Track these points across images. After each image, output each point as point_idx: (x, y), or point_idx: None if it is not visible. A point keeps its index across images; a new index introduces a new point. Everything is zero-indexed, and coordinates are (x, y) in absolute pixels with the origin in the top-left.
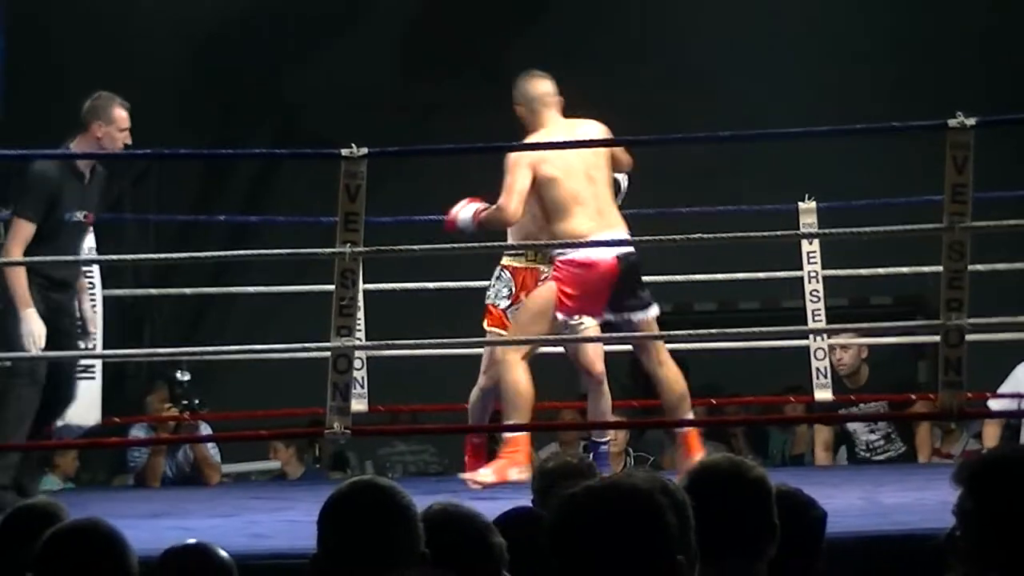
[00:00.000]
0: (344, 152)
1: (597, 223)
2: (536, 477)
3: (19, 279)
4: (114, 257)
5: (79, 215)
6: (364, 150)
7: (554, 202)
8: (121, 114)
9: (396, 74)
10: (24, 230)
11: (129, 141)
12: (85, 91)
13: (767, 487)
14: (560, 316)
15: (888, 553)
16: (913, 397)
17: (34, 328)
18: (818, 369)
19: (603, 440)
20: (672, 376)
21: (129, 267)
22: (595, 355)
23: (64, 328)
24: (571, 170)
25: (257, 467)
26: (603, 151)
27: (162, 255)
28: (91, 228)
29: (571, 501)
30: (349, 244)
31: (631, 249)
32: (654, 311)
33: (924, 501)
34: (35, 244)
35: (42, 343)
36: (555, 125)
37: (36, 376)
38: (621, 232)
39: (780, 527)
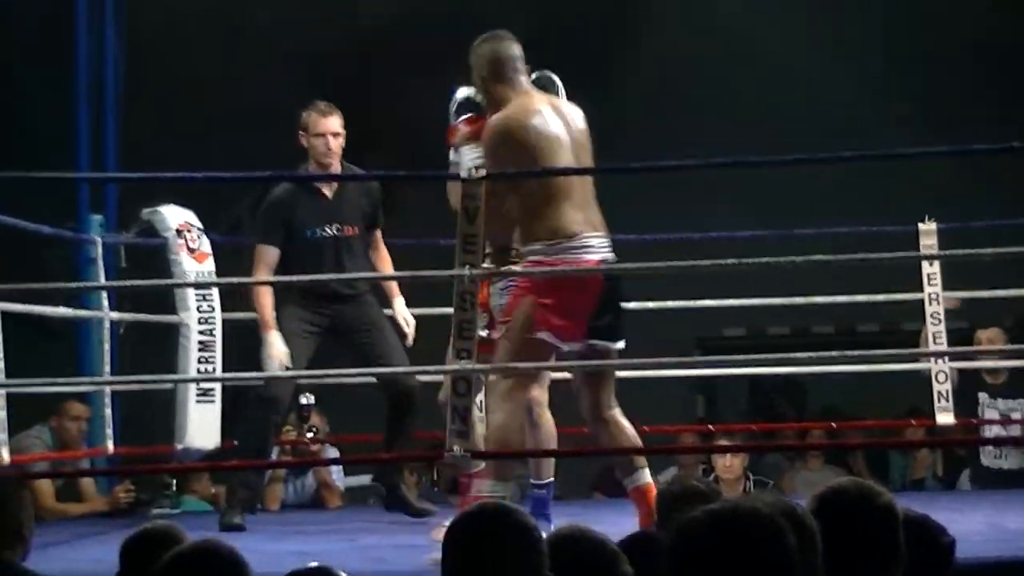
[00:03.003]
0: (463, 174)
1: (585, 220)
2: (661, 502)
3: (262, 303)
4: (234, 280)
5: (328, 229)
6: (482, 172)
7: (536, 188)
8: (315, 119)
9: None
10: (263, 255)
11: (334, 146)
12: (213, 113)
13: (895, 513)
14: (546, 337)
15: None
16: None
17: (273, 352)
18: (939, 392)
19: (542, 483)
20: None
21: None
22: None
23: (350, 338)
24: (559, 145)
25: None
26: (587, 134)
27: (278, 278)
28: (351, 239)
29: (691, 524)
30: (468, 266)
31: (612, 255)
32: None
33: None
34: (287, 266)
35: (285, 362)
36: (532, 95)
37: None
38: (605, 237)
39: (909, 553)
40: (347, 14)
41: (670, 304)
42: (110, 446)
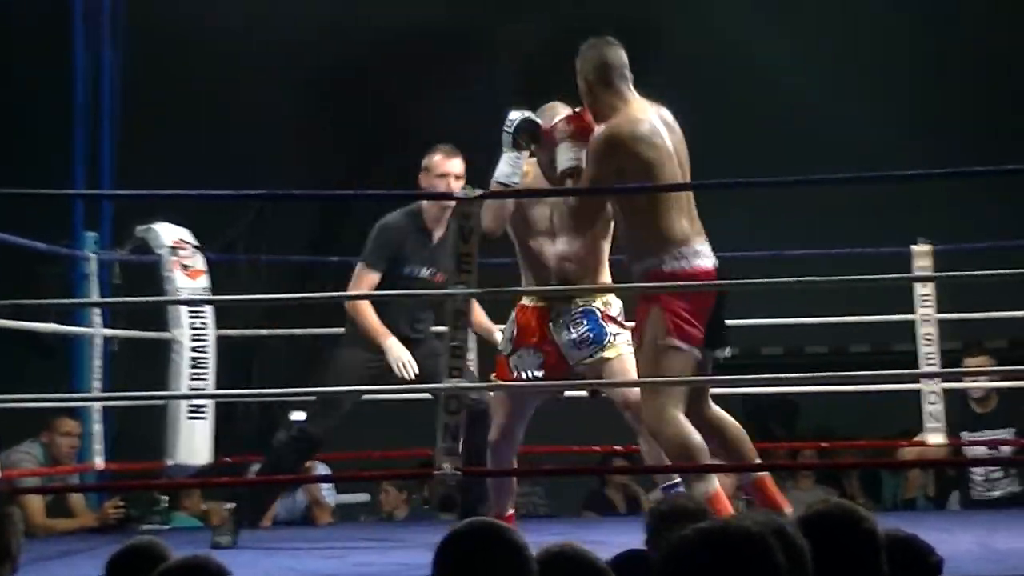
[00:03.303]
0: (458, 193)
1: (692, 228)
2: (648, 519)
3: (367, 315)
4: (228, 297)
5: (425, 272)
6: (478, 191)
7: (645, 201)
8: (436, 160)
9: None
10: (364, 276)
11: (455, 188)
12: (210, 130)
13: (877, 537)
14: (680, 344)
15: None
16: None
17: (399, 355)
18: (930, 413)
19: (672, 483)
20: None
21: (242, 307)
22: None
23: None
24: (667, 156)
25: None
26: (683, 140)
27: (274, 295)
28: (438, 285)
29: (681, 544)
30: (463, 285)
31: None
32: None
33: None
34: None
35: (411, 368)
36: (639, 103)
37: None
38: (707, 243)
39: (897, 573)
40: (349, 27)
41: None
42: (100, 462)
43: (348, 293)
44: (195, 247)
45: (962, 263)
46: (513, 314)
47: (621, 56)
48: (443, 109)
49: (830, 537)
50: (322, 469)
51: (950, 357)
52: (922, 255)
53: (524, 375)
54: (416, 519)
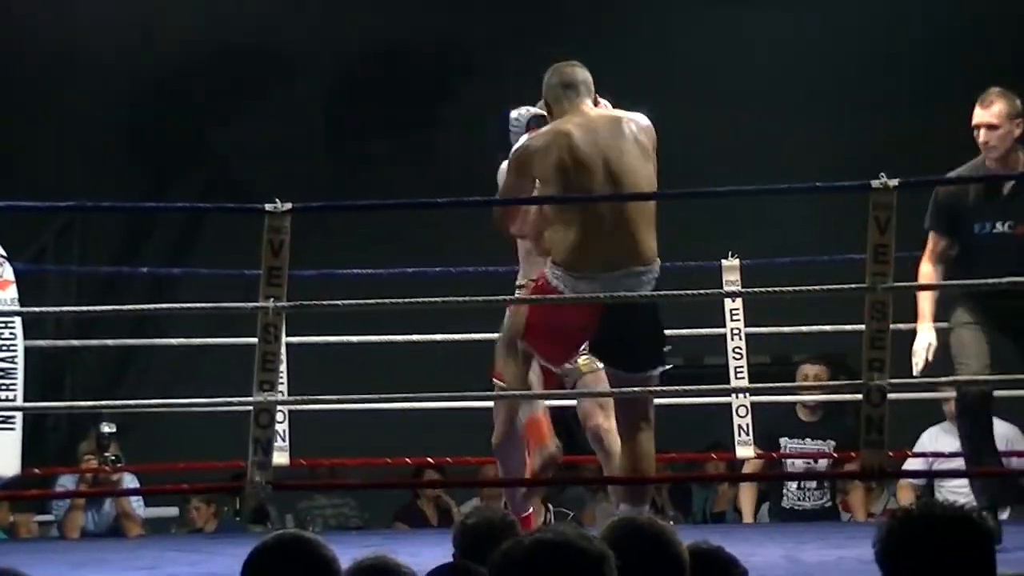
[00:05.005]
0: (268, 207)
1: (600, 254)
2: (458, 533)
3: (923, 294)
4: (36, 309)
5: (999, 226)
6: (288, 205)
7: (555, 214)
8: (976, 110)
9: (325, 129)
10: (930, 243)
11: (984, 138)
12: (17, 141)
13: (683, 553)
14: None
15: None
16: (852, 455)
17: (921, 342)
18: (740, 426)
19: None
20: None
21: (51, 318)
22: (592, 405)
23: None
24: (584, 170)
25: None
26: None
27: (84, 307)
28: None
29: (514, 550)
30: (272, 299)
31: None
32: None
33: (844, 559)
34: (954, 260)
35: (923, 355)
36: (577, 113)
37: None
38: (625, 268)
39: None
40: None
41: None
42: None
43: None
44: (3, 257)
45: (771, 279)
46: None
47: (570, 75)
48: (251, 127)
49: (639, 552)
50: (130, 481)
51: (758, 370)
52: (731, 269)
53: None
54: (228, 531)
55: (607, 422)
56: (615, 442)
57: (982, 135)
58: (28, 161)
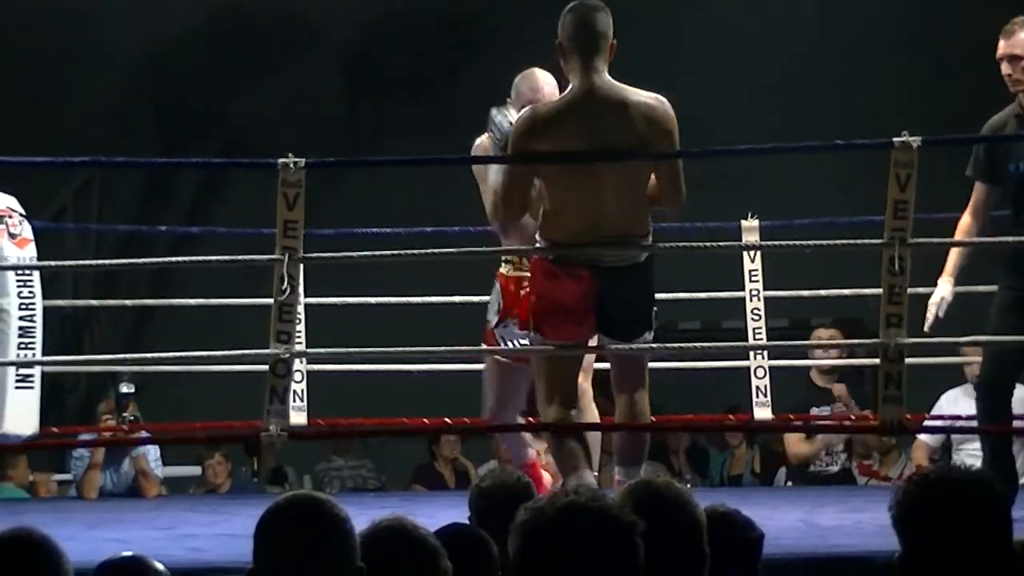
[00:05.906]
0: (281, 162)
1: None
2: (474, 496)
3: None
4: (54, 263)
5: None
6: (302, 161)
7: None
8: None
9: (343, 95)
10: (974, 193)
11: (1007, 71)
12: (34, 110)
13: (701, 516)
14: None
15: (825, 575)
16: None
17: (935, 296)
18: (758, 387)
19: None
20: None
21: (70, 277)
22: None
23: None
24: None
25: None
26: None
27: (102, 261)
28: None
29: (542, 516)
30: (287, 252)
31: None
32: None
33: (862, 523)
34: (1012, 219)
35: (934, 310)
36: (578, 81)
37: None
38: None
39: (716, 548)
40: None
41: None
42: None
43: None
44: (22, 215)
45: (791, 240)
46: (497, 284)
47: (581, 22)
48: (269, 92)
49: (651, 515)
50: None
51: (776, 334)
52: (750, 230)
53: (511, 346)
54: (244, 492)
55: (584, 383)
56: (590, 403)
57: (1005, 67)
58: (44, 129)
